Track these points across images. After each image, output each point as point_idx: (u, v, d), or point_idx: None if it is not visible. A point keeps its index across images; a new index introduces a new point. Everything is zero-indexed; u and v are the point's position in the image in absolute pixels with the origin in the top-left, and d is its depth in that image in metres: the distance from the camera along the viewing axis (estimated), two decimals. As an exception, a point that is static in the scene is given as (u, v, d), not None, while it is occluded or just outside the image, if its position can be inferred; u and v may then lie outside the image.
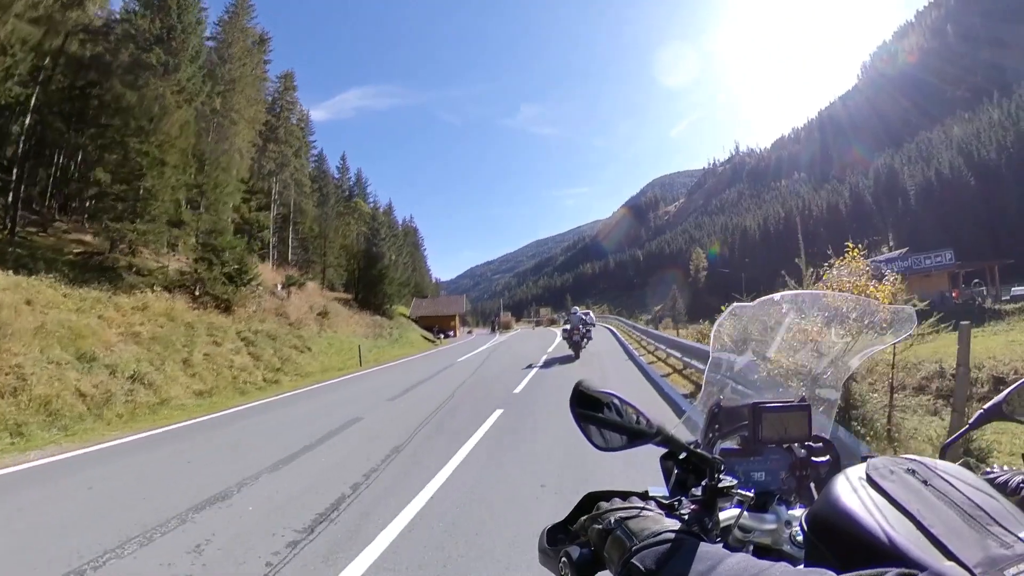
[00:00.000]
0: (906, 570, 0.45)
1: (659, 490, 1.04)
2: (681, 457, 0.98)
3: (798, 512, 1.06)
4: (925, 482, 0.74)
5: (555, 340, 30.04)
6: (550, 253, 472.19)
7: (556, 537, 0.95)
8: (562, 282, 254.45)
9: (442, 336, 53.56)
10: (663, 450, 1.02)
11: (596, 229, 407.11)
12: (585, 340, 21.22)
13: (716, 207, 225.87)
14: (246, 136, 37.83)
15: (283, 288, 29.17)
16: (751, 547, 1.03)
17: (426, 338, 47.23)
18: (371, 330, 36.10)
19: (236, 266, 22.89)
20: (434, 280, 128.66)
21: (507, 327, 63.20)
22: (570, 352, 21.06)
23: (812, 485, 1.19)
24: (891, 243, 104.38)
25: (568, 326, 21.56)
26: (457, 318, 62.93)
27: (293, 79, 54.52)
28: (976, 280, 45.25)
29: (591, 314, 24.47)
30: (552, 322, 72.71)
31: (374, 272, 46.21)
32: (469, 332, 65.86)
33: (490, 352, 27.21)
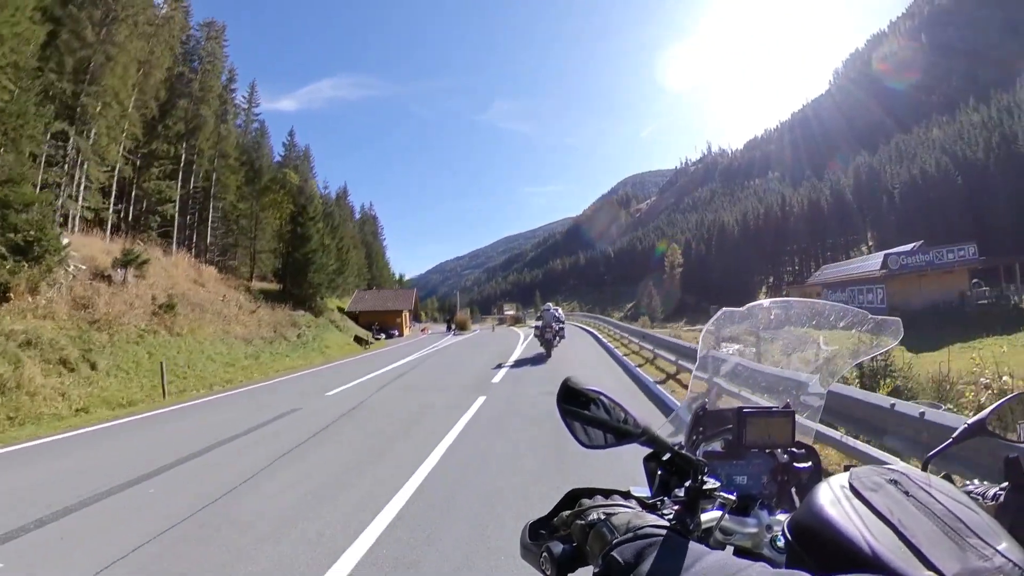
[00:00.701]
0: None
1: (642, 491, 1.04)
2: (665, 458, 0.99)
3: (779, 517, 1.07)
4: (907, 493, 0.74)
5: (516, 349, 23.29)
6: (520, 249, 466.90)
7: (538, 532, 0.94)
8: (532, 278, 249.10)
9: (382, 336, 45.94)
10: (647, 451, 1.03)
11: (567, 226, 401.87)
12: (557, 338, 20.78)
13: (688, 205, 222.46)
14: (128, 77, 29.77)
15: (120, 269, 20.82)
16: (732, 549, 1.04)
17: (359, 339, 39.60)
18: (271, 330, 28.38)
19: (32, 233, 15.31)
20: (397, 274, 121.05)
21: (463, 327, 52.60)
22: (541, 351, 20.62)
23: (793, 490, 1.20)
24: (870, 242, 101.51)
25: (540, 323, 20.98)
26: (406, 314, 55.03)
27: (223, 33, 46.38)
28: (976, 280, 40.23)
29: (559, 311, 22.86)
30: (517, 321, 59.66)
31: (298, 256, 38.48)
32: (423, 330, 57.41)
33: (417, 364, 20.50)
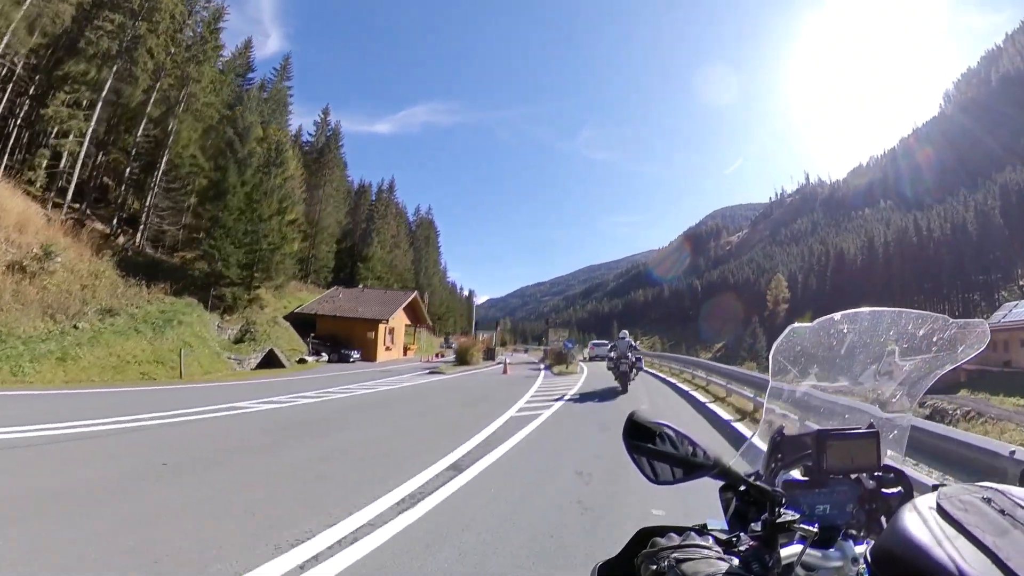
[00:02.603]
0: None
1: (718, 523, 1.01)
2: (741, 489, 0.94)
3: (866, 548, 0.96)
4: (1003, 511, 0.67)
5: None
6: (602, 279, 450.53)
7: (609, 573, 0.91)
8: (611, 308, 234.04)
9: (321, 357, 32.22)
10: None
11: (651, 257, 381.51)
12: (634, 371, 17.35)
13: (787, 237, 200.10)
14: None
15: None
16: None
17: (273, 359, 25.74)
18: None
19: None
20: (458, 286, 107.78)
21: (464, 358, 31.79)
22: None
23: (883, 519, 1.11)
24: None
25: (614, 354, 17.50)
26: (383, 329, 36.76)
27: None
28: None
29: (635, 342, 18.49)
30: (560, 360, 29.22)
31: (209, 212, 26.44)
32: (437, 355, 41.73)
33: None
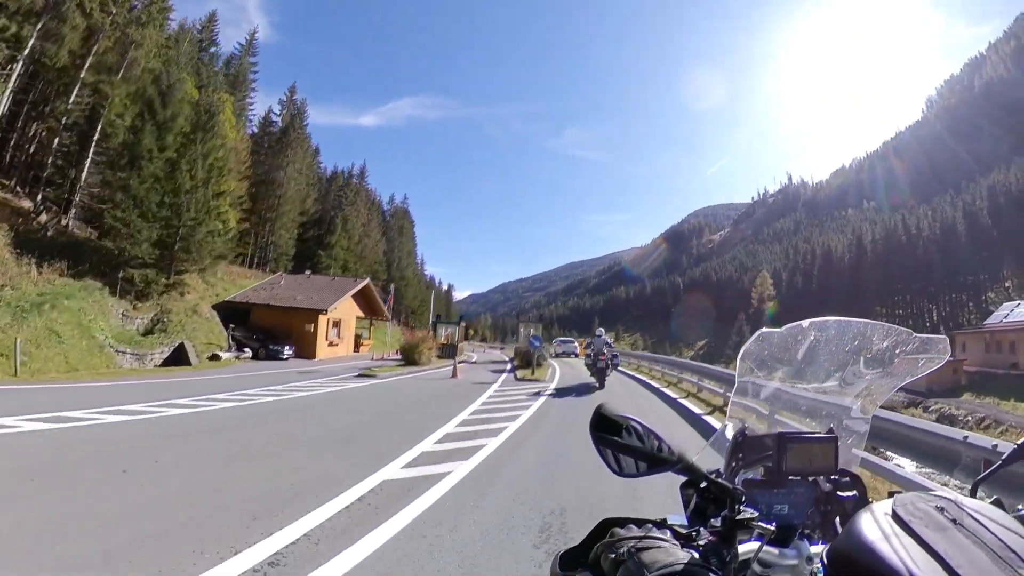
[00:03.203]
0: None
1: (678, 518, 1.02)
2: (702, 486, 0.94)
3: (820, 548, 0.99)
4: (954, 520, 0.69)
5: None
6: (584, 275, 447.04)
7: (569, 563, 0.92)
8: (592, 304, 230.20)
9: (244, 353, 27.29)
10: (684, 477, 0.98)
11: (633, 255, 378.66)
12: (610, 368, 17.81)
13: (769, 235, 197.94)
14: None
15: None
16: None
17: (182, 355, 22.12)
18: None
19: None
20: (431, 277, 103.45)
21: (412, 356, 26.02)
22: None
23: (837, 521, 1.13)
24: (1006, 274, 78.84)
25: (591, 351, 17.87)
26: (325, 323, 31.37)
27: None
28: None
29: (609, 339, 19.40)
30: (527, 359, 23.75)
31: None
32: (397, 352, 33.47)
33: None
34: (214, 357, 24.54)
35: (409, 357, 26.01)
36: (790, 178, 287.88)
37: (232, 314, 30.14)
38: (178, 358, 23.01)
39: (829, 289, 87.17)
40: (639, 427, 0.84)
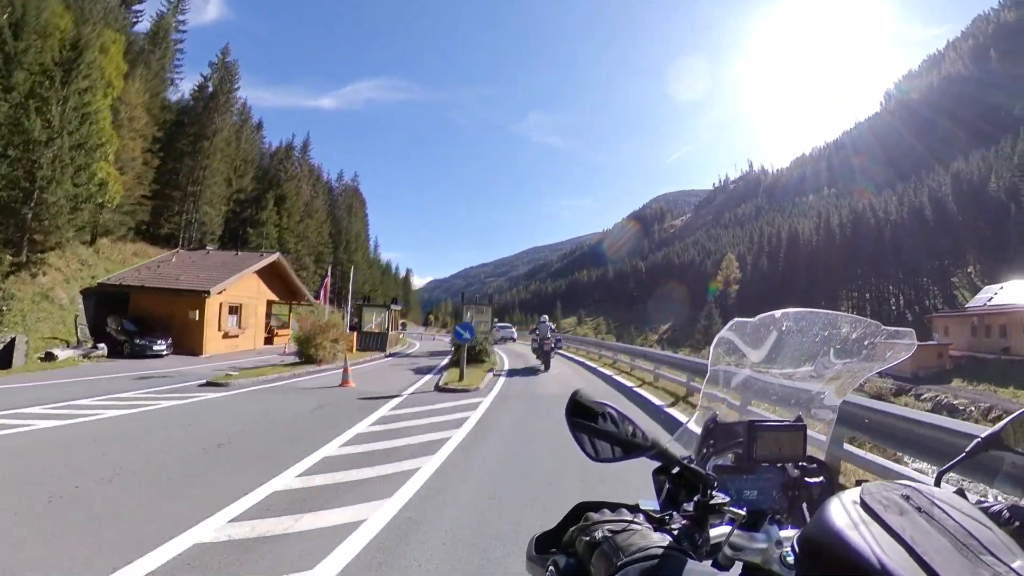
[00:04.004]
0: None
1: (651, 503, 1.05)
2: (674, 472, 0.97)
3: (789, 532, 1.02)
4: (919, 509, 0.71)
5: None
6: (546, 260, 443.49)
7: (544, 546, 0.94)
8: (555, 288, 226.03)
9: (90, 351, 20.53)
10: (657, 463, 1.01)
11: (595, 239, 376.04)
12: (553, 352, 19.62)
13: (731, 220, 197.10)
14: None
15: None
16: (740, 566, 0.99)
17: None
18: None
19: None
20: (388, 262, 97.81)
21: (309, 351, 19.46)
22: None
23: (804, 506, 1.17)
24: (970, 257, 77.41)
25: (537, 336, 19.80)
26: (213, 308, 24.57)
27: None
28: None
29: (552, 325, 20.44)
30: (469, 357, 17.45)
31: None
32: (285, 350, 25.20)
33: None
34: (49, 356, 18.45)
35: (305, 352, 19.50)
36: (751, 165, 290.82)
37: (110, 300, 23.89)
38: (7, 358, 17.08)
39: (795, 271, 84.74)
40: (614, 413, 0.85)
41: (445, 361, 20.96)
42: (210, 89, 53.52)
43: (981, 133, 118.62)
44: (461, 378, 14.60)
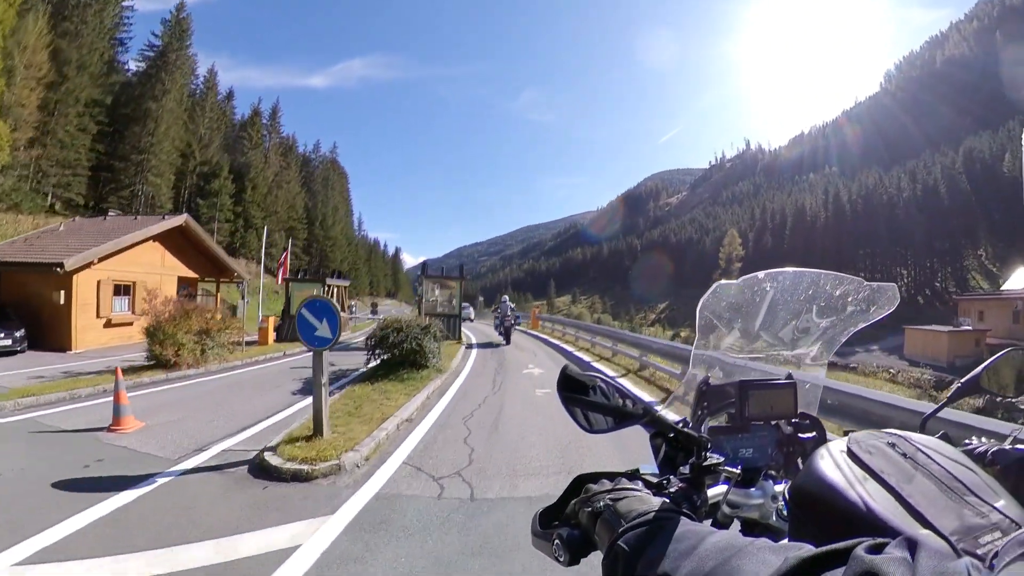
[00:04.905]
0: (877, 540, 0.43)
1: (650, 468, 1.02)
2: (670, 436, 0.97)
3: (784, 487, 1.04)
4: (904, 455, 0.73)
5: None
6: (539, 238, 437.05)
7: (548, 521, 0.94)
8: (548, 266, 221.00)
9: None
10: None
11: (589, 217, 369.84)
12: (513, 329, 21.68)
13: (728, 198, 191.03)
14: None
15: None
16: (739, 523, 1.03)
17: None
18: None
19: None
20: (374, 240, 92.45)
21: (161, 352, 12.55)
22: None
23: (799, 460, 1.17)
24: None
25: (499, 315, 22.00)
26: (83, 287, 17.62)
27: None
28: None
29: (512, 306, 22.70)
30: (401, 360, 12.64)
31: None
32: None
33: None
34: None
35: (155, 351, 12.65)
36: (748, 144, 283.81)
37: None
38: None
39: (800, 250, 79.50)
40: (603, 385, 0.86)
41: (363, 369, 13.77)
42: (160, 46, 47.19)
43: (984, 115, 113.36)
44: (316, 434, 6.49)
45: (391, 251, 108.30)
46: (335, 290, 26.36)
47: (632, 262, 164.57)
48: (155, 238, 21.06)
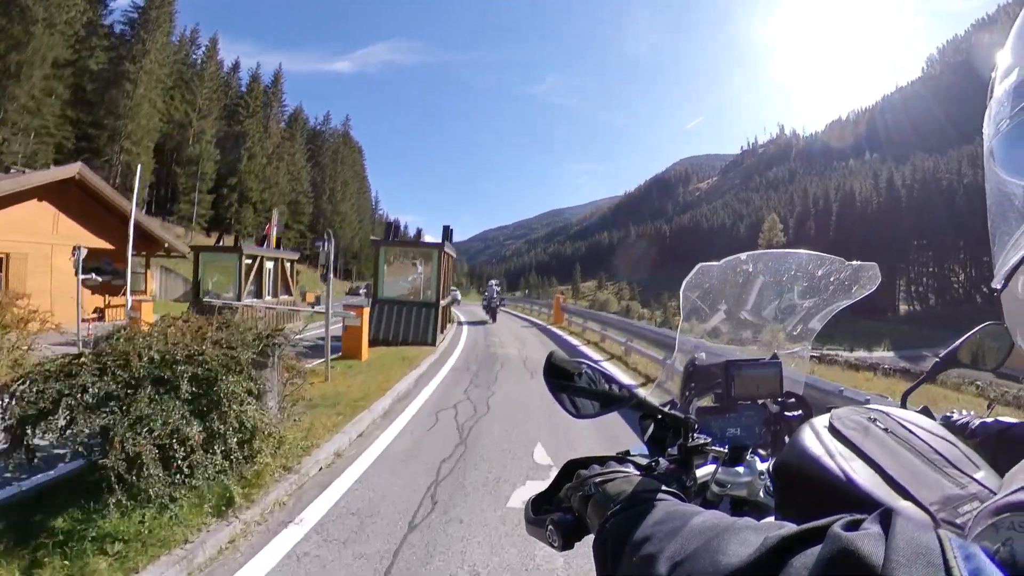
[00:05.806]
0: (855, 516, 0.42)
1: (639, 449, 1.03)
2: (658, 418, 0.98)
3: (770, 464, 1.04)
4: (886, 429, 0.74)
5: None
6: (565, 222, 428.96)
7: (540, 508, 0.93)
8: (574, 250, 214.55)
9: None
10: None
11: (616, 201, 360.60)
12: (498, 309, 24.78)
13: (761, 184, 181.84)
14: None
15: None
16: (728, 500, 1.01)
17: None
18: None
19: None
20: (393, 220, 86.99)
21: None
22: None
23: (786, 438, 1.17)
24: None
25: (487, 296, 25.04)
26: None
27: None
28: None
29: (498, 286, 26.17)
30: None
31: None
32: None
33: None
34: None
35: None
36: (782, 129, 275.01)
37: None
38: None
39: (849, 236, 71.82)
40: (589, 370, 0.85)
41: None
42: (143, 5, 41.75)
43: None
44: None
45: (412, 233, 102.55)
46: (281, 265, 19.55)
47: (661, 247, 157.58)
48: (42, 196, 15.33)
